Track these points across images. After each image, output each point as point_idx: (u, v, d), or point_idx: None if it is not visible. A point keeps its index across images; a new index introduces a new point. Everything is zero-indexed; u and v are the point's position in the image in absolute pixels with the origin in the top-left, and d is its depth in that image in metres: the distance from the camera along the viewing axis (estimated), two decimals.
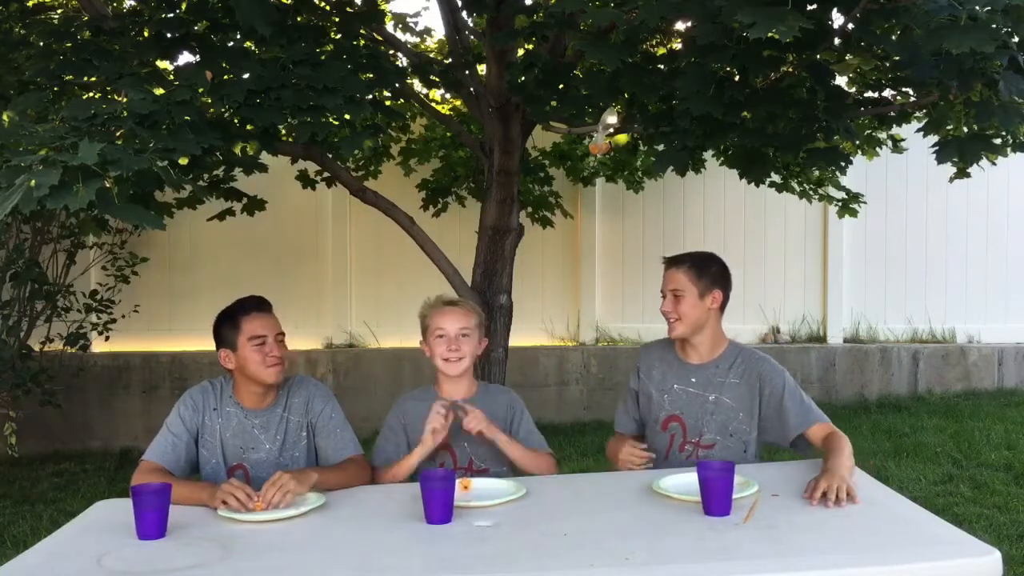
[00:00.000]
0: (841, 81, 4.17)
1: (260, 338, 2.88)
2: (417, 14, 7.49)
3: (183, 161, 3.27)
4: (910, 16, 3.06)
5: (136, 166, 2.62)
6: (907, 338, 7.52)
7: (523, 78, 4.19)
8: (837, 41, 3.60)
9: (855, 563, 2.05)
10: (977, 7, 2.80)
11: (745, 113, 3.69)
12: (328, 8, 4.41)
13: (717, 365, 3.04)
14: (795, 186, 6.02)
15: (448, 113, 6.25)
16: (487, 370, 4.70)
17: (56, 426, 6.89)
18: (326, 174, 5.63)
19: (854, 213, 6.29)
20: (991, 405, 6.85)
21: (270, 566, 2.17)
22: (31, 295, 6.31)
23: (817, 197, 6.30)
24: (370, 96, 3.78)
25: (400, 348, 7.31)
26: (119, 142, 2.85)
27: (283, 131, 3.94)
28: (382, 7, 5.55)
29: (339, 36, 4.26)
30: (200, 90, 3.27)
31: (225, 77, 3.48)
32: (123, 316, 6.75)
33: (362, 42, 4.41)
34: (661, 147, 4.27)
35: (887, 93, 4.38)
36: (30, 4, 4.66)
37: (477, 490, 2.64)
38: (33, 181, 2.37)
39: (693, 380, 3.04)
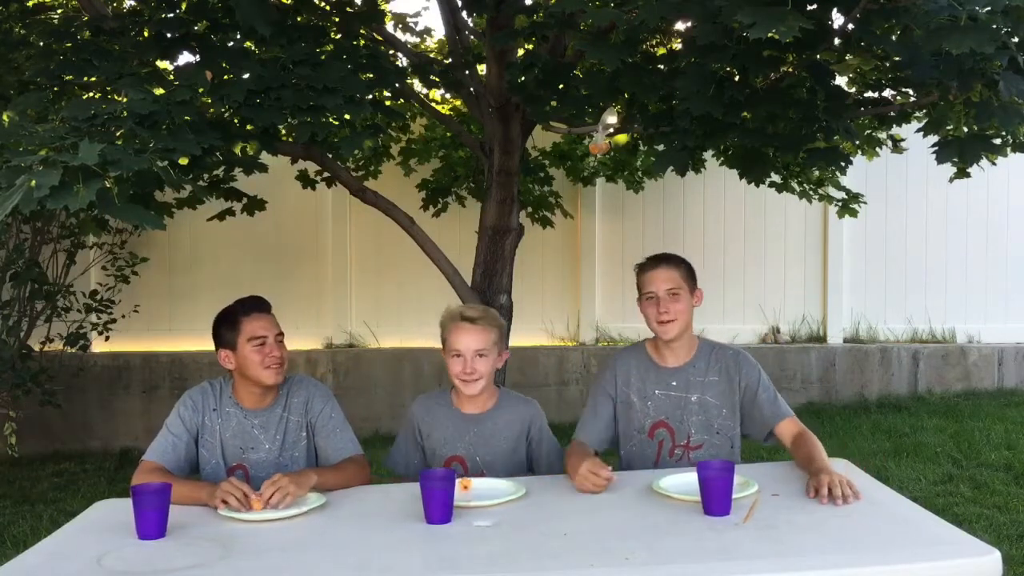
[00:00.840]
0: (841, 81, 4.16)
1: (260, 339, 2.89)
2: (417, 14, 7.49)
3: (183, 161, 3.27)
4: (910, 16, 3.06)
5: (136, 166, 2.62)
6: (907, 338, 7.52)
7: (523, 78, 4.19)
8: (837, 41, 3.60)
9: (855, 563, 2.05)
10: (977, 7, 2.80)
11: (745, 113, 3.69)
12: (328, 8, 4.41)
13: (694, 365, 3.02)
14: (795, 186, 6.02)
15: (448, 113, 6.25)
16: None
17: (56, 426, 6.89)
18: (326, 174, 5.62)
19: (854, 213, 6.29)
20: (991, 405, 6.85)
21: (270, 566, 2.17)
22: (31, 295, 6.31)
23: (817, 197, 6.30)
24: (370, 96, 3.78)
25: (400, 348, 7.31)
26: (119, 142, 2.85)
27: (283, 131, 3.94)
28: (382, 7, 5.55)
29: (339, 36, 4.26)
30: (200, 90, 3.27)
31: (225, 77, 3.48)
32: (123, 316, 6.75)
33: (362, 42, 4.41)
34: (661, 147, 4.27)
35: (887, 93, 4.38)
36: (30, 4, 4.65)
37: (477, 490, 2.64)
38: (33, 181, 2.37)
39: (673, 384, 3.02)
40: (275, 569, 2.15)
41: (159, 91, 3.21)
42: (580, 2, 3.38)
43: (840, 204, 6.27)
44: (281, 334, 2.96)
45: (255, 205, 4.97)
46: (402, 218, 4.80)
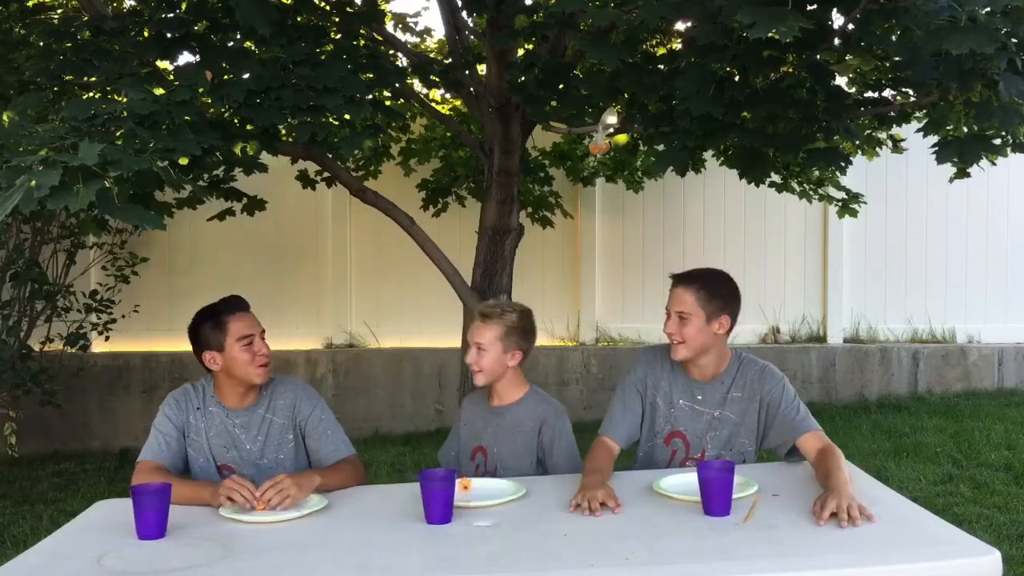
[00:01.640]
0: (841, 81, 4.17)
1: (248, 337, 2.88)
2: (417, 14, 7.49)
3: (183, 161, 3.27)
4: (910, 17, 3.06)
5: (136, 166, 2.63)
6: (907, 338, 7.52)
7: (523, 78, 4.19)
8: (837, 41, 3.60)
9: (855, 563, 2.05)
10: (977, 8, 2.80)
11: (745, 113, 3.69)
12: (328, 8, 4.41)
13: (722, 381, 2.96)
14: (795, 186, 6.02)
15: (448, 113, 6.25)
16: None
17: (56, 426, 6.89)
18: (326, 174, 5.62)
19: (854, 213, 6.29)
20: (991, 405, 6.85)
21: (270, 566, 2.17)
22: (31, 295, 6.31)
23: (817, 197, 6.30)
24: (370, 96, 3.78)
25: (400, 348, 7.31)
26: (119, 142, 2.85)
27: (283, 131, 3.94)
28: (382, 7, 5.55)
29: (339, 36, 4.26)
30: (200, 90, 3.27)
31: (225, 77, 3.48)
32: (123, 316, 6.75)
33: (362, 42, 4.41)
34: (661, 147, 4.27)
35: (887, 93, 4.38)
36: (30, 4, 4.65)
37: (477, 490, 2.64)
38: (33, 181, 2.37)
39: (699, 397, 2.96)
40: (275, 569, 2.15)
41: (159, 91, 3.21)
42: (580, 2, 3.38)
43: (840, 204, 6.27)
44: (263, 331, 2.95)
45: (255, 205, 4.97)
46: (402, 218, 4.80)
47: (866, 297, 7.55)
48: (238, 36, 3.73)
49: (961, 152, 3.57)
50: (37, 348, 6.43)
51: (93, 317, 6.56)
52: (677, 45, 4.94)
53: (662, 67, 3.94)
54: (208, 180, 4.59)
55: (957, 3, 2.77)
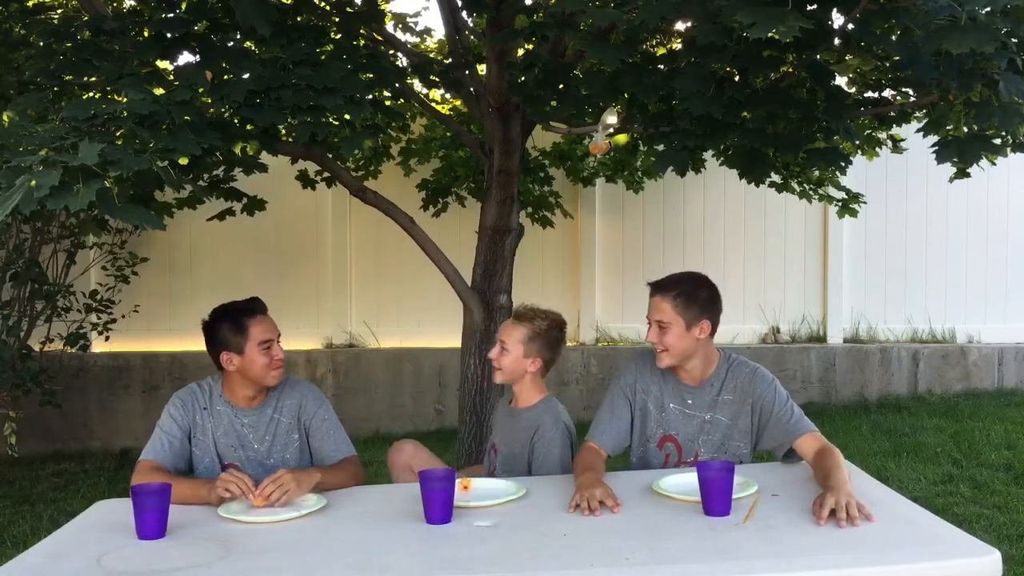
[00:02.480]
0: (841, 81, 4.16)
1: (268, 342, 2.89)
2: (417, 14, 7.48)
3: (183, 161, 3.27)
4: (910, 17, 3.06)
5: (136, 166, 2.63)
6: (907, 338, 7.52)
7: (523, 78, 4.19)
8: (837, 41, 3.60)
9: (855, 563, 2.05)
10: (977, 8, 2.80)
11: (745, 113, 3.69)
12: (328, 8, 4.41)
13: (712, 384, 2.96)
14: (795, 186, 6.02)
15: (448, 113, 6.25)
16: (487, 370, 4.70)
17: (56, 426, 6.89)
18: (326, 174, 5.62)
19: (854, 213, 6.29)
20: (991, 405, 6.85)
21: (270, 566, 2.18)
22: (31, 295, 6.31)
23: (817, 197, 6.30)
24: (370, 96, 3.78)
25: (400, 348, 7.31)
26: (119, 142, 2.85)
27: (283, 131, 3.94)
28: (382, 7, 5.55)
29: (339, 36, 4.26)
30: (200, 90, 3.26)
31: (225, 77, 3.48)
32: (123, 316, 6.75)
33: (362, 42, 4.41)
34: (661, 147, 4.27)
35: (887, 93, 4.38)
36: (30, 4, 4.65)
37: (477, 490, 2.65)
38: (33, 181, 2.37)
39: (689, 401, 2.97)
40: (275, 569, 2.16)
41: (159, 91, 3.21)
42: (580, 2, 3.38)
43: (840, 204, 6.27)
44: (280, 335, 2.97)
45: (255, 205, 4.97)
46: (402, 218, 4.80)
47: (866, 297, 7.55)
48: (238, 36, 3.73)
49: (961, 152, 3.57)
50: (37, 348, 6.43)
51: (93, 317, 6.57)
52: (677, 45, 4.93)
53: (662, 67, 3.94)
54: (208, 180, 4.59)
55: (957, 3, 2.77)
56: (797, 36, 2.63)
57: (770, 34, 2.63)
